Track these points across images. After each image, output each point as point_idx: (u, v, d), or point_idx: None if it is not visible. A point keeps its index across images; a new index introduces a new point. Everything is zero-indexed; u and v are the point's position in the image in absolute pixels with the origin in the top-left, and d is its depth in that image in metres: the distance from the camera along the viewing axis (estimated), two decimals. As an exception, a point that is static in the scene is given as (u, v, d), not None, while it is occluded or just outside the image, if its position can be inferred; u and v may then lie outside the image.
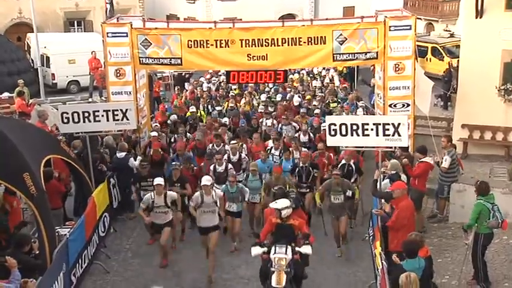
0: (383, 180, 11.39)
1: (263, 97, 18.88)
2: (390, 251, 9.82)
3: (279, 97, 19.14)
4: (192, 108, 17.25)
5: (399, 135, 10.57)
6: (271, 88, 20.78)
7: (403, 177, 11.50)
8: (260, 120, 16.33)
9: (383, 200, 10.71)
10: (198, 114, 17.50)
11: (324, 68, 24.44)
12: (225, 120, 16.32)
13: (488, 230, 9.69)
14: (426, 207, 13.17)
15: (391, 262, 9.55)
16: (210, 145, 13.97)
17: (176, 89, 23.15)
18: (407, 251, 7.99)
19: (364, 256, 10.88)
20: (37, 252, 9.06)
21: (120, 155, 13.12)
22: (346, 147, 11.57)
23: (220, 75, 22.73)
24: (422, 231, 11.13)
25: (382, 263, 8.83)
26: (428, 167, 12.04)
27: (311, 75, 24.15)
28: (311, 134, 15.07)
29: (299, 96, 19.09)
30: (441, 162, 12.38)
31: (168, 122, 16.77)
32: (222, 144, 13.87)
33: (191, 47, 14.72)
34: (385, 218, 9.99)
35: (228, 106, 18.17)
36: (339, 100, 18.70)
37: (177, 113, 17.42)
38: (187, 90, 21.59)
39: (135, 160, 13.09)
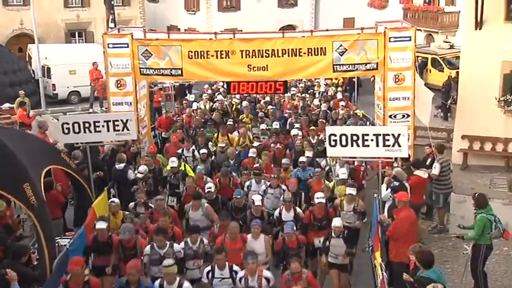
0: (386, 189, 11.40)
1: (262, 126, 16.64)
2: (392, 262, 9.86)
3: (275, 124, 16.66)
4: (173, 162, 12.62)
5: (399, 145, 10.58)
6: (268, 110, 19.04)
7: (408, 187, 11.46)
8: (247, 184, 12.01)
9: (385, 211, 10.73)
10: (182, 168, 13.11)
11: (322, 83, 24.43)
12: (209, 186, 11.35)
13: (489, 241, 9.70)
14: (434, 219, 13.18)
15: (394, 273, 9.59)
16: (183, 244, 9.44)
17: (176, 103, 22.63)
18: (424, 261, 7.96)
19: (364, 268, 10.85)
20: (35, 263, 9.05)
21: (119, 166, 13.12)
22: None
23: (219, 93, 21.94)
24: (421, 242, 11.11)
25: (382, 273, 8.81)
26: (420, 180, 11.94)
27: (310, 91, 23.52)
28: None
29: (298, 128, 16.24)
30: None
31: (138, 175, 12.75)
32: (198, 242, 9.47)
33: (192, 57, 14.78)
34: (386, 228, 10.01)
35: (216, 142, 15.34)
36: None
37: (150, 164, 13.23)
38: (183, 108, 20.63)
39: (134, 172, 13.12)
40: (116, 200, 11.12)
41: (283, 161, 13.31)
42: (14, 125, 17.99)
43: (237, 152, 14.41)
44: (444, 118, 22.04)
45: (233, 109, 19.59)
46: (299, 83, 24.36)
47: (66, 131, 12.10)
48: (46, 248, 9.08)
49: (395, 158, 11.97)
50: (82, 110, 23.19)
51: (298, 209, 10.85)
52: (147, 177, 12.70)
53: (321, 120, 17.17)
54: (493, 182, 14.57)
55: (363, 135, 10.74)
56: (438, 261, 10.70)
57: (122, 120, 12.21)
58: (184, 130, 16.66)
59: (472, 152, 16.09)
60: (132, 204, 11.32)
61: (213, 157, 14.49)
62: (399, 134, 10.55)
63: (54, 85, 26.10)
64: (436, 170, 12.37)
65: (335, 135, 10.86)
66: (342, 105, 19.47)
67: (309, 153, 13.53)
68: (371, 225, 10.82)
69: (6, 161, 9.37)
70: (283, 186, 11.66)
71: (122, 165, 13.13)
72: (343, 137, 10.80)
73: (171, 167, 12.55)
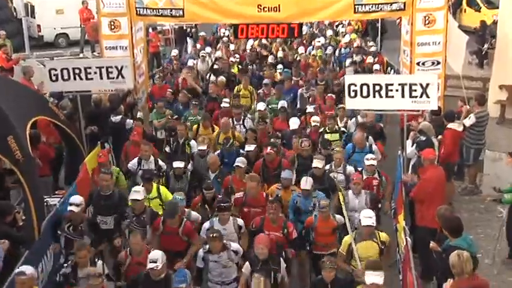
0: (411, 146, 11.39)
1: (261, 106, 14.16)
2: (417, 226, 9.92)
3: (281, 103, 14.37)
4: (136, 193, 9.46)
5: (428, 96, 10.52)
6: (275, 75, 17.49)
7: (436, 142, 11.44)
8: (204, 226, 9.21)
9: (410, 169, 10.74)
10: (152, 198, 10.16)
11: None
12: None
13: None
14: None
15: (419, 238, 9.66)
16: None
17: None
18: (451, 228, 7.92)
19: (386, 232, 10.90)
20: (20, 224, 9.19)
21: (116, 119, 13.15)
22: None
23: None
24: (451, 205, 11.16)
25: (406, 238, 8.88)
26: (454, 134, 11.94)
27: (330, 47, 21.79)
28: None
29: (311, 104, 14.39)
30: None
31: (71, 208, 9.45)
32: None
33: (194, -4, 14.61)
34: (410, 189, 10.05)
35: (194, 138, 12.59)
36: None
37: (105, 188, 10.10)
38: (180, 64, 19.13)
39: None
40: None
41: (283, 174, 10.16)
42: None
43: (217, 153, 11.75)
44: (479, 65, 21.77)
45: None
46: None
47: (53, 78, 12.11)
48: (33, 208, 9.16)
49: (423, 111, 11.90)
50: (71, 55, 23.07)
51: None
52: (79, 219, 9.27)
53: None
54: (533, 137, 14.49)
55: (387, 85, 10.66)
56: (468, 226, 10.75)
57: (116, 67, 12.20)
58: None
59: (511, 104, 15.95)
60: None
61: (190, 164, 11.39)
62: (428, 84, 10.47)
63: (39, 26, 25.88)
64: (469, 121, 12.28)
65: (355, 85, 10.79)
66: (376, 69, 18.28)
67: (319, 163, 10.37)
68: (394, 186, 10.85)
69: (-15, 112, 9.38)
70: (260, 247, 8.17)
71: (119, 117, 13.17)
72: (364, 87, 10.74)
73: (132, 200, 9.40)
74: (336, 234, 9.30)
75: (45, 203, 9.94)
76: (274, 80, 17.13)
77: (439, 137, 11.68)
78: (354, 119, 13.13)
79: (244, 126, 13.36)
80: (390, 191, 10.87)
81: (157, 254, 7.74)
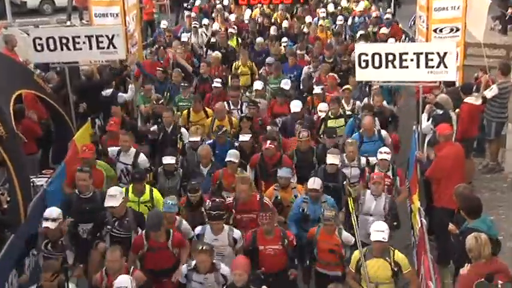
0: (427, 120, 11.40)
1: (258, 85, 13.70)
2: (433, 207, 9.97)
3: (285, 85, 13.81)
4: (112, 198, 8.64)
5: (445, 66, 10.49)
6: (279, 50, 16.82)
7: (454, 116, 11.43)
8: (196, 231, 8.63)
9: (425, 145, 10.75)
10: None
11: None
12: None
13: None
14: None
15: (435, 220, 9.71)
16: None
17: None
18: (469, 209, 7.95)
19: (399, 214, 10.96)
20: (5, 206, 9.25)
21: (106, 92, 13.16)
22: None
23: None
24: (470, 184, 11.19)
25: (421, 220, 8.93)
26: (471, 108, 11.85)
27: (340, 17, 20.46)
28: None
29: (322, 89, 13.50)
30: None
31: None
32: None
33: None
34: (426, 167, 10.07)
35: (186, 126, 12.12)
36: None
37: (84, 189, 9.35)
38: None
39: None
40: None
41: (280, 173, 9.59)
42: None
43: (209, 142, 11.19)
44: (503, 32, 21.70)
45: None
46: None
47: (38, 48, 12.10)
48: (18, 189, 9.20)
49: (440, 82, 11.89)
50: (58, 23, 23.01)
51: None
52: (58, 233, 8.54)
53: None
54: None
55: (401, 54, 10.64)
56: (489, 207, 10.82)
57: (107, 36, 12.18)
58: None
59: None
60: None
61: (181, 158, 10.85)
62: (446, 53, 10.44)
63: (22, -9, 25.86)
64: (490, 92, 12.25)
65: (366, 55, 10.77)
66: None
67: (335, 159, 9.90)
68: (408, 163, 10.88)
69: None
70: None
71: (109, 91, 13.19)
72: (376, 57, 10.72)
73: (110, 208, 8.65)
74: (338, 254, 8.37)
75: (32, 183, 9.98)
76: (279, 56, 16.45)
77: (457, 110, 11.67)
78: (366, 99, 12.78)
79: (242, 111, 12.73)
80: (406, 196, 10.24)
81: (124, 281, 7.02)
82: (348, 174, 10.05)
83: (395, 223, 9.01)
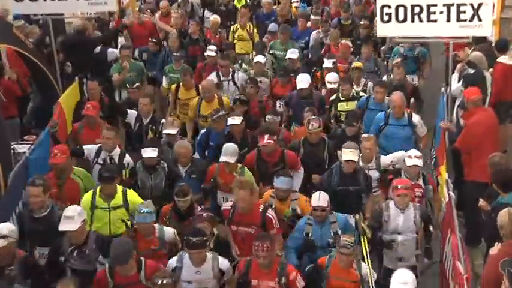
0: (458, 81, 11.31)
1: (260, 58, 12.79)
2: (463, 180, 9.93)
3: (292, 54, 12.83)
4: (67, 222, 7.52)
5: (479, 19, 10.36)
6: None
7: (488, 76, 11.32)
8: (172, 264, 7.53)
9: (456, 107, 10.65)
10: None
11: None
12: None
13: None
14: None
15: (465, 194, 9.67)
16: None
17: None
18: (502, 181, 7.88)
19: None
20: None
21: (96, 49, 13.14)
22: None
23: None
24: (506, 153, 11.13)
25: (449, 194, 8.89)
26: (506, 68, 11.69)
27: None
28: None
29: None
30: None
31: None
32: None
33: None
34: (454, 135, 10.03)
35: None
36: None
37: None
38: None
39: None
40: None
41: (277, 183, 8.46)
42: None
43: (203, 131, 10.65)
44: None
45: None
46: None
47: (18, -3, 12.01)
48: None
49: (473, 38, 11.77)
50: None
51: None
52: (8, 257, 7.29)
53: None
54: None
55: (429, 6, 10.52)
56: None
57: (96, -16, 12.07)
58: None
59: None
60: None
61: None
62: (480, 4, 10.31)
63: None
64: None
65: (389, 7, 10.66)
66: None
67: (352, 155, 8.87)
68: (434, 130, 10.83)
69: None
70: None
71: (98, 48, 13.12)
72: (401, 10, 10.60)
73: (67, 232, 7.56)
74: None
75: (13, 150, 10.00)
76: (287, 19, 15.70)
77: (491, 70, 11.56)
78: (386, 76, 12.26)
79: (234, 83, 12.10)
80: (440, 206, 9.26)
81: None
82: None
83: (430, 228, 8.46)
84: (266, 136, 9.18)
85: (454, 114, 11.05)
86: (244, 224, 8.05)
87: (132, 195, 8.47)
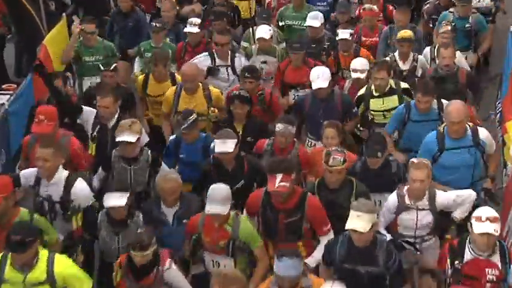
0: None
1: (263, 32, 11.03)
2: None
3: (313, 21, 11.26)
4: None
5: None
6: None
7: None
8: None
9: None
10: None
11: None
12: None
13: None
14: None
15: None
16: None
17: None
18: None
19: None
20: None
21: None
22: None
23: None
24: None
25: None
26: None
27: None
28: None
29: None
30: None
31: None
32: None
33: None
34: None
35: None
36: None
37: None
38: None
39: None
40: None
41: (279, 269, 6.15)
42: None
43: (172, 138, 9.20)
44: None
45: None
46: None
47: None
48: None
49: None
50: None
51: None
52: None
53: None
54: None
55: None
56: None
57: None
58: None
59: None
60: None
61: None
62: None
63: None
64: None
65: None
66: None
67: (360, 222, 6.61)
68: (501, 77, 10.83)
69: None
70: None
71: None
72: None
73: None
74: None
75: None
76: None
77: None
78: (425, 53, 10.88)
79: (234, 70, 10.52)
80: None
81: None
82: (413, 230, 7.71)
83: None
84: (279, 177, 7.19)
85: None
86: None
87: (63, 266, 6.80)
